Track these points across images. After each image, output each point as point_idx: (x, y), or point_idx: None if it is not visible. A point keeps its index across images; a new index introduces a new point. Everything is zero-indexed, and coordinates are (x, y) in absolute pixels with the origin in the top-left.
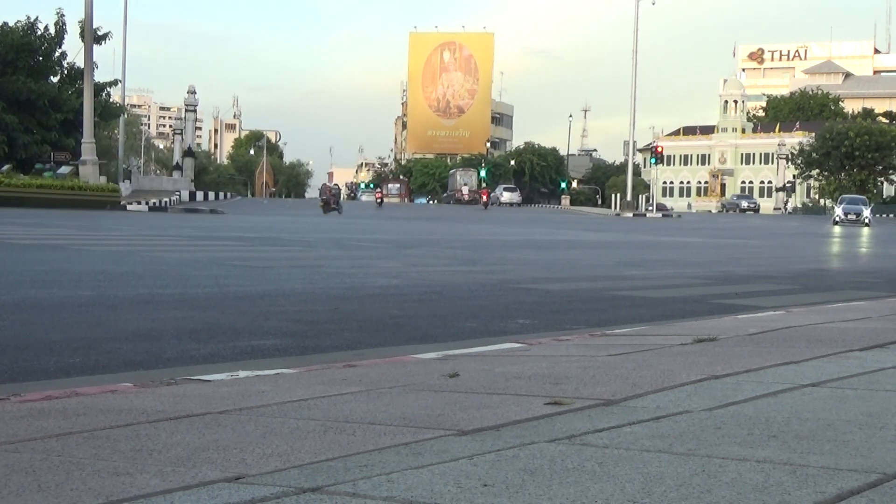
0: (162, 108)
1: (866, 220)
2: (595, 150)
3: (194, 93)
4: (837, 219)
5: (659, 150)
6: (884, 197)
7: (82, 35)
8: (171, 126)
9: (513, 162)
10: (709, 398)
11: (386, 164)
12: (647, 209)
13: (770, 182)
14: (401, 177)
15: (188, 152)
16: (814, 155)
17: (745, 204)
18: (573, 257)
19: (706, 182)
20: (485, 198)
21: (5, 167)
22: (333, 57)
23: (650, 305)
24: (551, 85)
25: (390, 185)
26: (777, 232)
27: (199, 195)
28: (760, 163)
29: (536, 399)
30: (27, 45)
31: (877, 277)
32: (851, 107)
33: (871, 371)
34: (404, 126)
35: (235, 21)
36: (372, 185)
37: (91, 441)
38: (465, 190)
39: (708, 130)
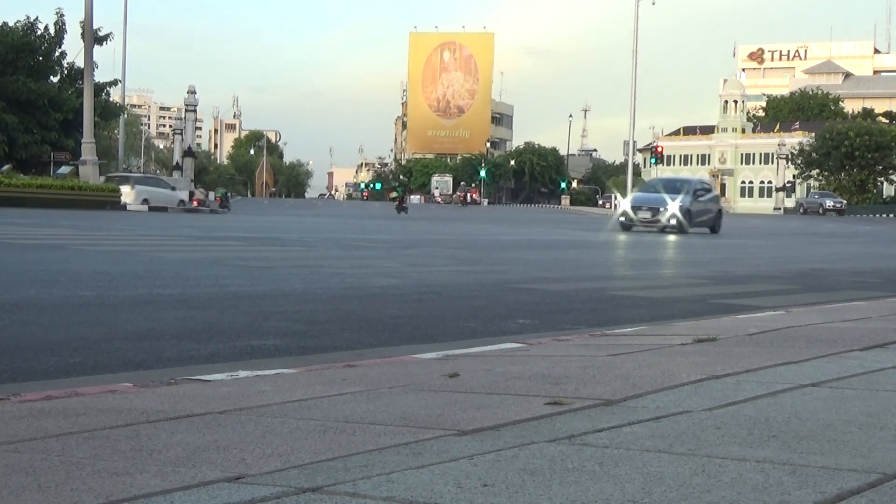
0: (162, 108)
1: (673, 221)
2: (595, 150)
3: (194, 93)
4: (624, 219)
5: (659, 150)
6: (884, 197)
7: (82, 35)
8: (171, 126)
9: (513, 162)
10: (709, 398)
11: (386, 164)
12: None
13: (770, 182)
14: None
15: (188, 152)
16: (814, 155)
17: (829, 203)
18: (573, 257)
19: None
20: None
21: (5, 167)
22: (333, 57)
23: (650, 305)
24: (551, 85)
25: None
26: (777, 232)
27: None
28: (760, 163)
29: (536, 399)
30: (27, 45)
31: (877, 277)
32: (851, 107)
33: (871, 371)
34: (404, 126)
35: (235, 21)
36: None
37: (91, 441)
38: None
39: (708, 130)
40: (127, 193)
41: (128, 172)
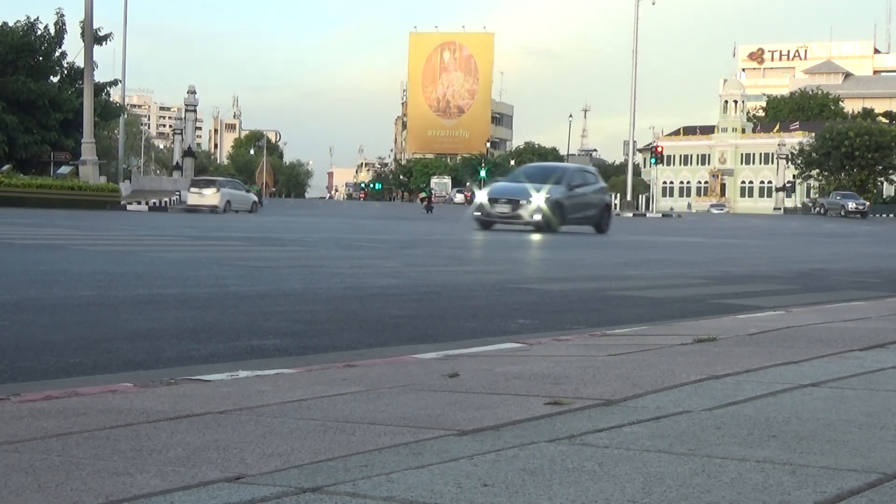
0: (162, 108)
1: (537, 217)
2: (595, 150)
3: (194, 93)
4: (480, 213)
5: (659, 150)
6: (884, 197)
7: (82, 35)
8: (171, 126)
9: (513, 162)
10: (709, 398)
11: (386, 165)
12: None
13: (770, 182)
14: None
15: (188, 152)
16: (814, 155)
17: (851, 205)
18: (573, 257)
19: (706, 182)
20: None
21: (5, 167)
22: (333, 57)
23: (650, 305)
24: (551, 85)
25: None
26: (777, 232)
27: None
28: (760, 163)
29: (536, 399)
30: (27, 45)
31: (877, 277)
32: (851, 107)
33: (871, 371)
34: (404, 126)
35: (235, 21)
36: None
37: (91, 441)
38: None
39: (708, 130)
40: (213, 195)
41: (213, 176)
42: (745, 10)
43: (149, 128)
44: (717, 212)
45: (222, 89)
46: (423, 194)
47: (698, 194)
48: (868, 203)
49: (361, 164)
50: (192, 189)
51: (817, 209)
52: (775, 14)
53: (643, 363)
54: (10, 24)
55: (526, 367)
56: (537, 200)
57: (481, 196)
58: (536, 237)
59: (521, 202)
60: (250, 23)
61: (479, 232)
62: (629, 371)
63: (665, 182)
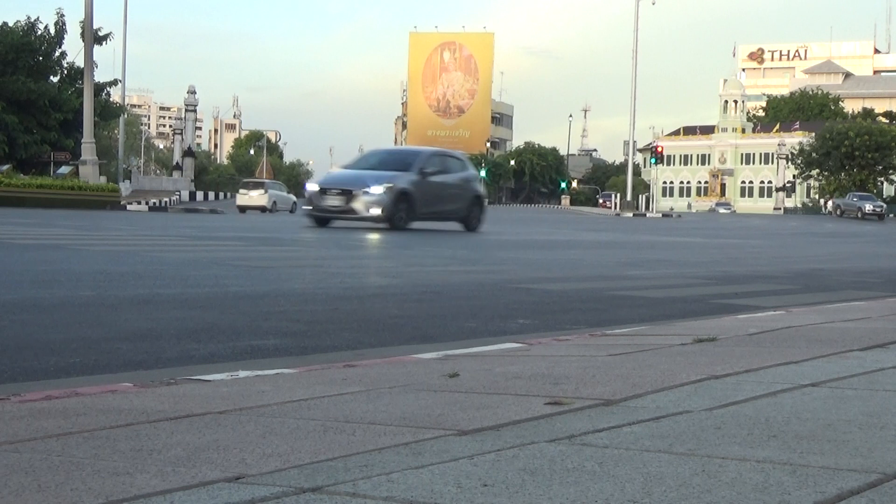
0: (162, 108)
1: (376, 211)
2: (595, 150)
3: (194, 93)
4: (311, 208)
5: (659, 150)
6: (884, 197)
7: (82, 35)
8: (171, 126)
9: (513, 162)
10: (709, 398)
11: None
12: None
13: (770, 182)
14: None
15: (188, 152)
16: (814, 155)
17: (868, 207)
18: (573, 257)
19: (706, 182)
20: None
21: (5, 167)
22: (333, 57)
23: (650, 305)
24: (551, 85)
25: None
26: (777, 232)
27: (200, 195)
28: (760, 163)
29: (536, 399)
30: (27, 45)
31: (877, 277)
32: (851, 107)
33: (871, 371)
34: (404, 126)
35: (235, 21)
36: None
37: (91, 441)
38: None
39: (708, 130)
40: (261, 196)
41: (263, 179)
42: (745, 10)
43: (149, 128)
44: (723, 211)
45: (222, 89)
46: None
47: (698, 194)
48: (885, 206)
49: None
50: (241, 191)
51: (835, 211)
52: (775, 14)
53: (643, 363)
54: (10, 24)
55: (526, 367)
56: (376, 190)
57: (312, 186)
58: (372, 237)
59: (355, 193)
60: (250, 23)
61: (306, 230)
62: (629, 371)
63: (665, 182)
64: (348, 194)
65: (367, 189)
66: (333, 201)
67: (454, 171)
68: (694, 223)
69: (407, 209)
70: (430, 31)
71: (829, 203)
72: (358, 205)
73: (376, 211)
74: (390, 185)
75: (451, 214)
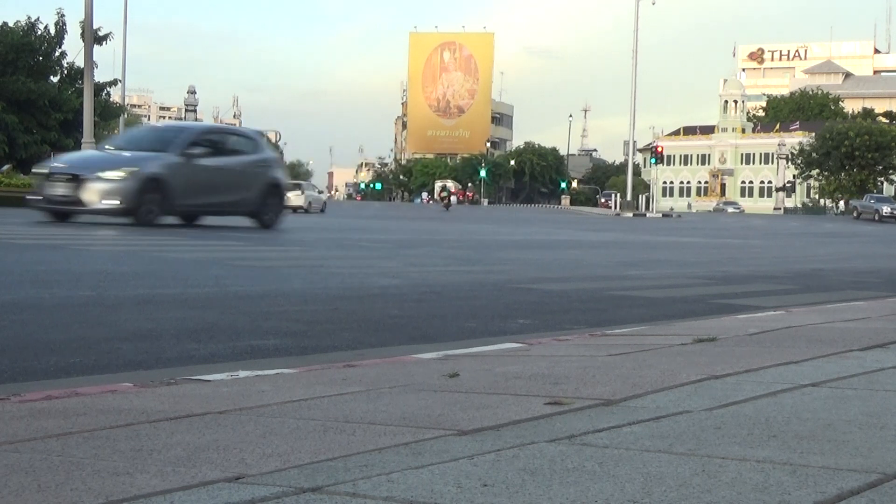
0: (162, 108)
1: (113, 202)
2: (595, 150)
3: (194, 93)
4: (36, 196)
5: (659, 150)
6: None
7: (82, 35)
8: None
9: (513, 162)
10: (709, 398)
11: (386, 164)
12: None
13: (770, 182)
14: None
15: None
16: (814, 155)
17: (886, 209)
18: (573, 257)
19: (706, 182)
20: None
21: (5, 167)
22: (333, 57)
23: (650, 305)
24: (551, 85)
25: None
26: (777, 232)
27: None
28: (760, 163)
29: (536, 399)
30: (27, 45)
31: (877, 277)
32: (851, 107)
33: (871, 371)
34: (404, 126)
35: (235, 21)
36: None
37: (91, 441)
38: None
39: (708, 130)
40: (298, 197)
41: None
42: (745, 11)
43: None
44: (732, 210)
45: (222, 89)
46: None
47: (698, 194)
48: None
49: (361, 163)
50: None
51: (852, 212)
52: (775, 14)
53: (643, 363)
54: (10, 24)
55: (526, 367)
56: (113, 175)
57: (41, 168)
58: (103, 235)
59: (84, 179)
60: (250, 23)
61: (29, 227)
62: (629, 371)
63: (665, 182)
64: (77, 180)
65: (100, 174)
66: (60, 189)
67: (241, 152)
68: (694, 223)
69: (160, 200)
70: (430, 32)
71: (841, 203)
72: (89, 195)
73: (111, 202)
74: (134, 168)
75: (233, 207)
